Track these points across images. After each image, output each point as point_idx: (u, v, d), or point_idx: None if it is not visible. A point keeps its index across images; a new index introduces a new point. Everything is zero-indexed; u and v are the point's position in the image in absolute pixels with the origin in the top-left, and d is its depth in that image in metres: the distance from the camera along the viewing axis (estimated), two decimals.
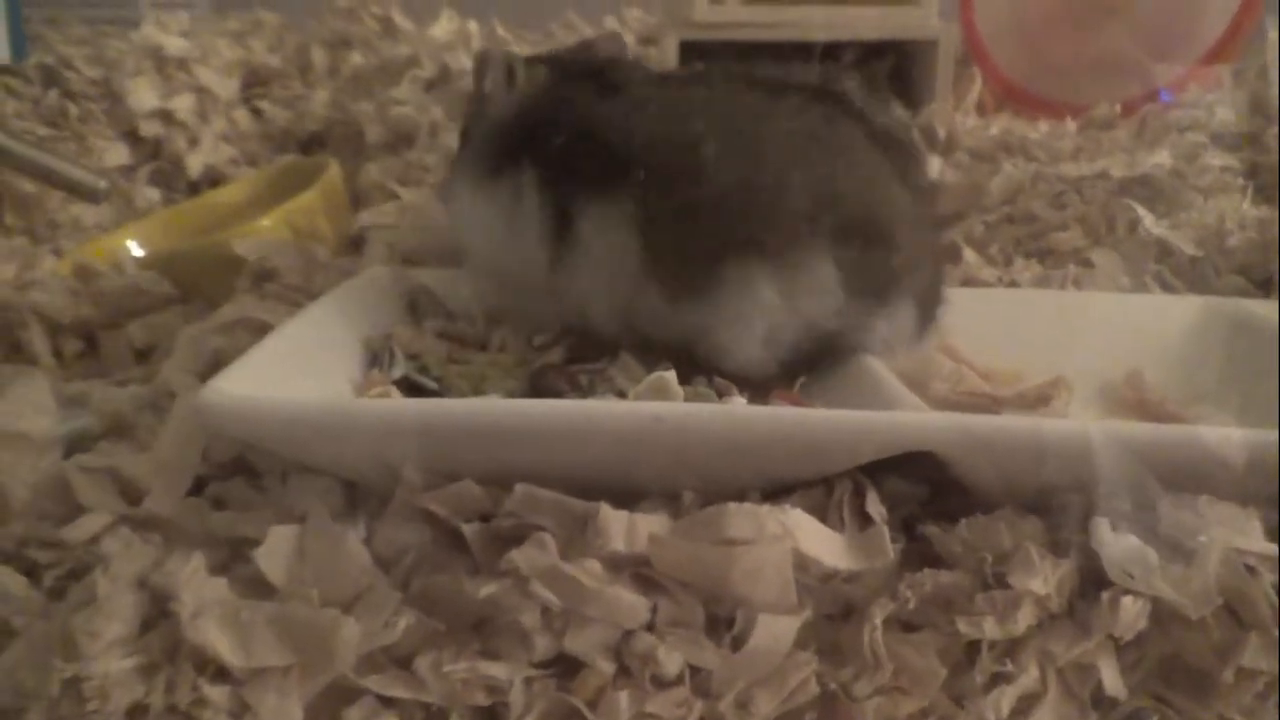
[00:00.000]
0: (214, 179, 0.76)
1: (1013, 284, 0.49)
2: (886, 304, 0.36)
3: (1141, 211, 0.52)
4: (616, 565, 0.27)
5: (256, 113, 0.82)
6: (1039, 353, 0.42)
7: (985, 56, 1.13)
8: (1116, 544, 0.26)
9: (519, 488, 0.28)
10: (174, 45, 0.74)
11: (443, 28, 0.79)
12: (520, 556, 0.26)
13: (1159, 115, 0.83)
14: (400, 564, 0.28)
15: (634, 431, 0.28)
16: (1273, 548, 0.26)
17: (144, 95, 0.71)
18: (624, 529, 0.26)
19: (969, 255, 0.55)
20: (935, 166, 0.70)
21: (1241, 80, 0.79)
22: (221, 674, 0.26)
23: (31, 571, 0.28)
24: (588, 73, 0.39)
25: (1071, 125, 0.94)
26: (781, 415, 0.28)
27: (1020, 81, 1.14)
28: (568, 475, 0.28)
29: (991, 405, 0.40)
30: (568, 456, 0.28)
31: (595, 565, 0.26)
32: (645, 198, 0.34)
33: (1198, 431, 0.27)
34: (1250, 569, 0.26)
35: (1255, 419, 0.39)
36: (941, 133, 0.80)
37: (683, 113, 0.36)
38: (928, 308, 0.38)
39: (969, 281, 0.50)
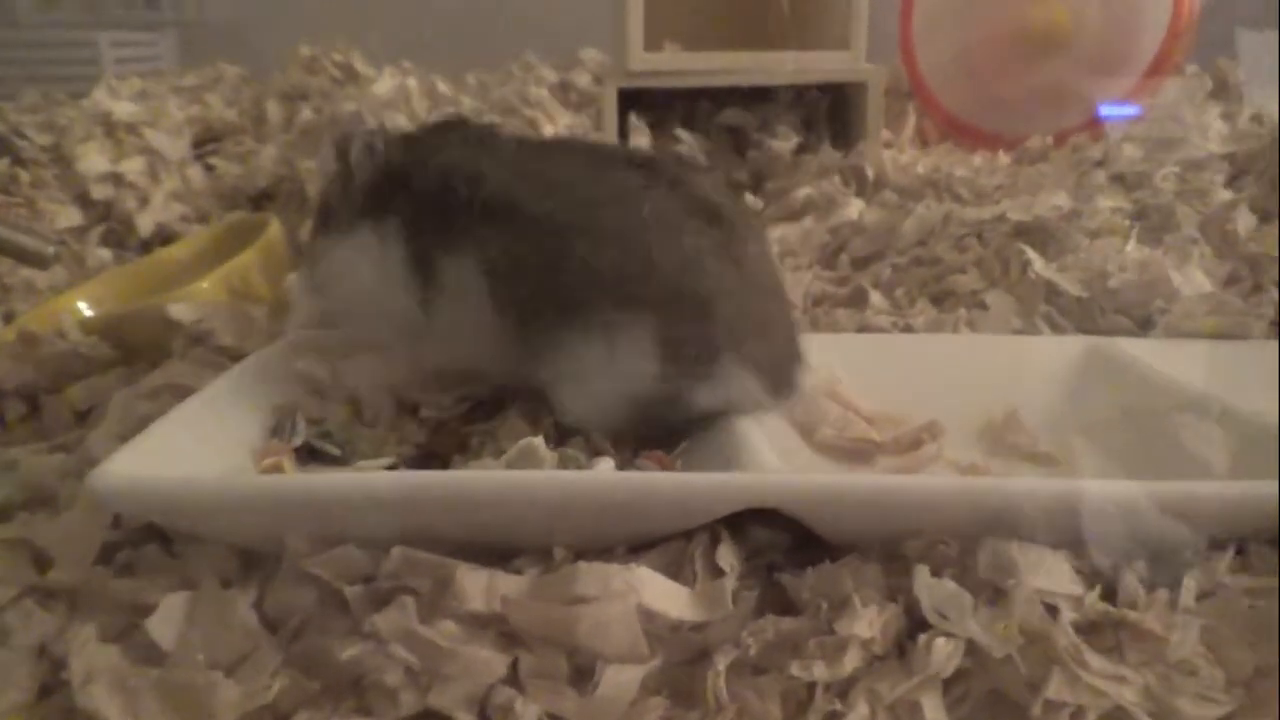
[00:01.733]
0: (166, 236, 0.78)
1: (909, 328, 0.52)
2: (709, 370, 0.37)
3: (1032, 255, 0.55)
4: (481, 623, 0.29)
5: (209, 168, 0.84)
6: (929, 396, 0.45)
7: (926, 90, 1.17)
8: (935, 589, 0.29)
9: (394, 551, 0.30)
10: (123, 110, 0.77)
11: (384, 84, 0.82)
12: (382, 620, 0.28)
13: (1084, 149, 0.86)
14: (288, 625, 0.31)
15: (499, 497, 0.30)
16: (1078, 588, 0.29)
17: (94, 160, 0.73)
18: (483, 589, 0.29)
19: (875, 299, 0.57)
20: (856, 209, 0.73)
21: (1155, 111, 0.83)
22: None
23: None
24: (446, 133, 0.42)
25: (1005, 158, 0.97)
26: (634, 480, 0.31)
27: (962, 114, 1.18)
28: (447, 536, 0.31)
29: (870, 449, 0.42)
30: (442, 521, 0.31)
31: (450, 626, 0.28)
32: (489, 254, 0.38)
33: (1004, 483, 0.30)
34: (1052, 608, 0.28)
35: (1128, 455, 0.42)
36: (870, 173, 0.83)
37: (524, 177, 0.38)
38: (777, 370, 0.39)
39: (865, 327, 0.53)
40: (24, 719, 0.27)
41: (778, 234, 0.68)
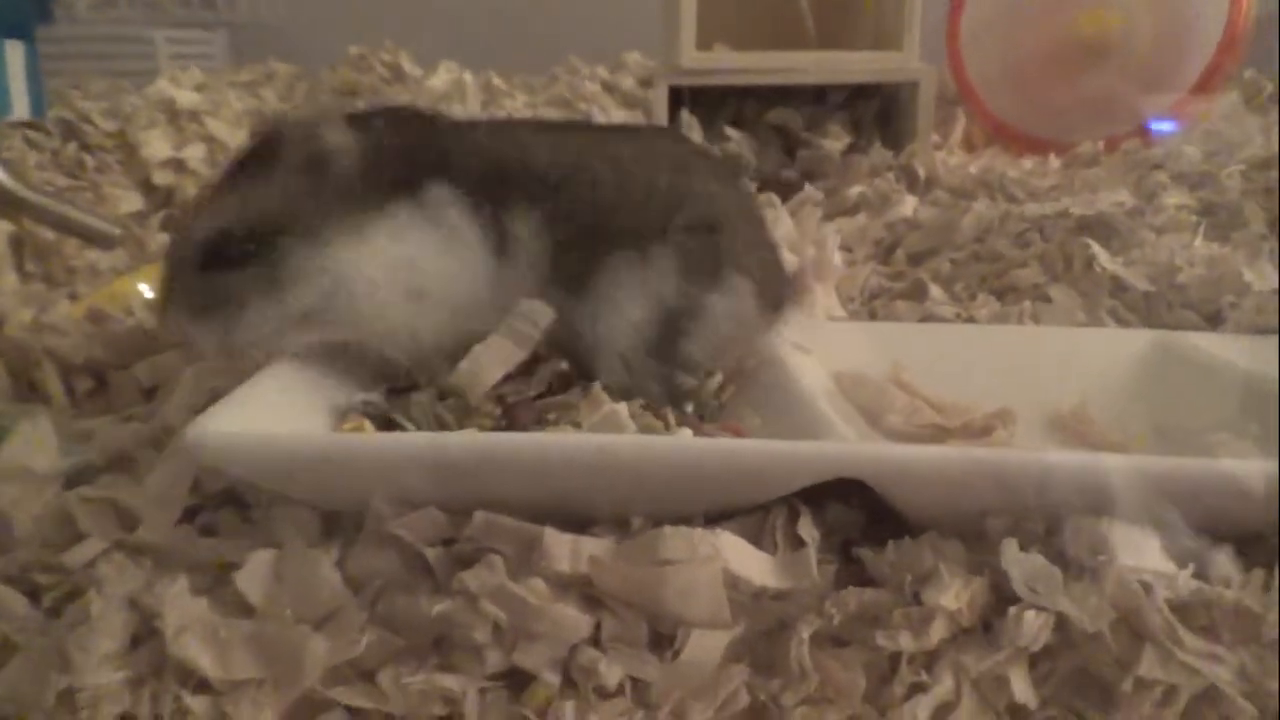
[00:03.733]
0: None
1: (971, 319, 0.52)
2: (717, 282, 0.42)
3: (1097, 249, 0.54)
4: (564, 585, 0.29)
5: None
6: (992, 386, 0.45)
7: (974, 96, 1.16)
8: (1024, 563, 0.28)
9: (478, 515, 0.30)
10: (186, 99, 0.78)
11: (441, 78, 0.83)
12: (471, 577, 0.28)
13: (1136, 152, 0.85)
14: (371, 585, 0.31)
15: (581, 461, 0.30)
16: (1170, 566, 0.28)
17: (157, 146, 0.75)
18: (569, 551, 0.29)
19: (935, 292, 0.57)
20: (910, 205, 0.73)
21: (1210, 119, 0.82)
22: (202, 687, 0.28)
23: (33, 593, 0.31)
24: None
25: (1055, 162, 0.97)
26: (718, 446, 0.31)
27: (1009, 120, 1.18)
28: (525, 502, 0.31)
29: (941, 436, 0.42)
30: (523, 485, 0.31)
31: (540, 584, 0.28)
32: (546, 214, 0.41)
33: (1095, 458, 0.30)
34: (1145, 585, 0.28)
35: (1197, 447, 0.41)
36: (921, 172, 0.83)
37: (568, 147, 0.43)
38: (768, 287, 0.44)
39: (928, 317, 0.53)
40: None
41: (832, 228, 0.68)
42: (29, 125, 0.76)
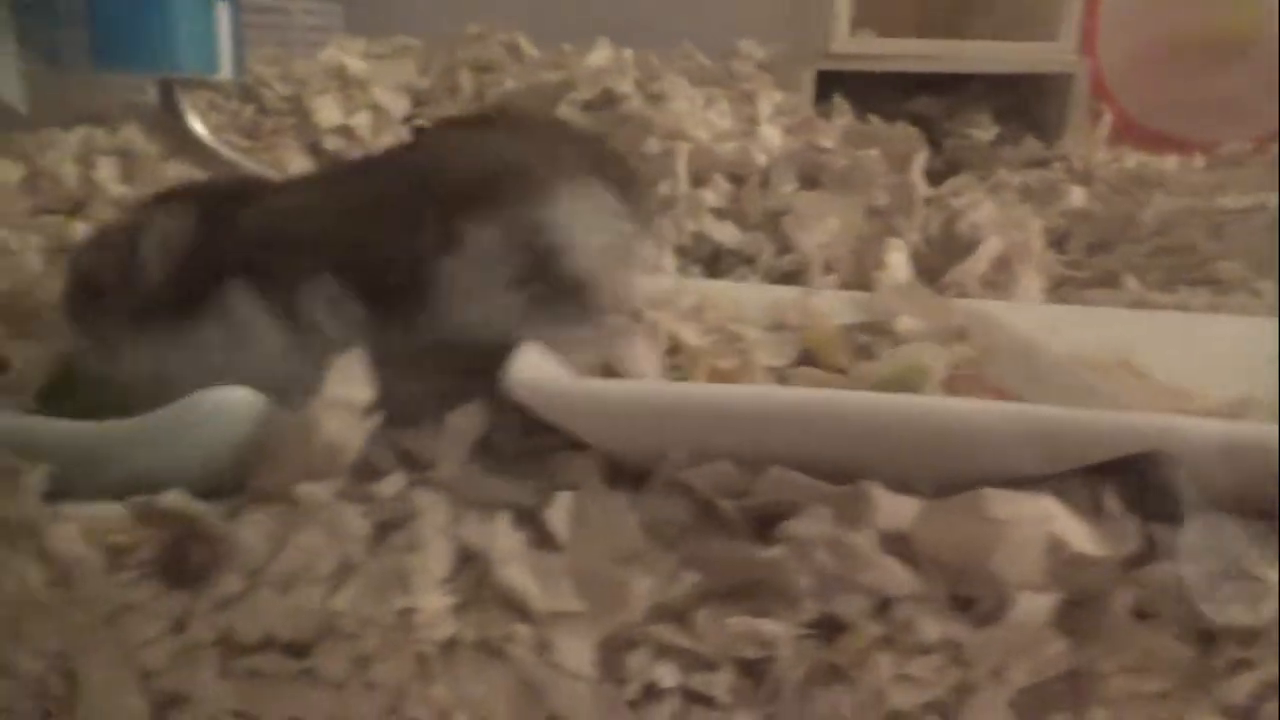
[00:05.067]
0: None
1: (1183, 308, 0.51)
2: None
3: None
4: (882, 540, 0.29)
5: (419, 131, 0.87)
6: (1215, 376, 0.44)
7: (1106, 91, 1.14)
8: None
9: (773, 470, 0.31)
10: (355, 67, 0.80)
11: (600, 55, 0.84)
12: (799, 526, 0.28)
13: None
14: (664, 533, 0.32)
15: (875, 420, 0.30)
16: None
17: (329, 112, 0.77)
18: (890, 507, 0.29)
19: (1130, 282, 0.56)
20: (1080, 196, 0.72)
21: None
22: (522, 615, 0.29)
23: None
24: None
25: (1199, 160, 0.95)
26: (1024, 411, 0.31)
27: (1141, 117, 1.15)
28: (812, 460, 0.31)
29: None
30: (815, 440, 0.31)
31: (873, 535, 0.28)
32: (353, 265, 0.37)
33: None
34: None
35: None
36: (1078, 164, 0.82)
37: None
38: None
39: (1136, 305, 0.52)
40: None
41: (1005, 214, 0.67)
42: (208, 85, 0.79)
